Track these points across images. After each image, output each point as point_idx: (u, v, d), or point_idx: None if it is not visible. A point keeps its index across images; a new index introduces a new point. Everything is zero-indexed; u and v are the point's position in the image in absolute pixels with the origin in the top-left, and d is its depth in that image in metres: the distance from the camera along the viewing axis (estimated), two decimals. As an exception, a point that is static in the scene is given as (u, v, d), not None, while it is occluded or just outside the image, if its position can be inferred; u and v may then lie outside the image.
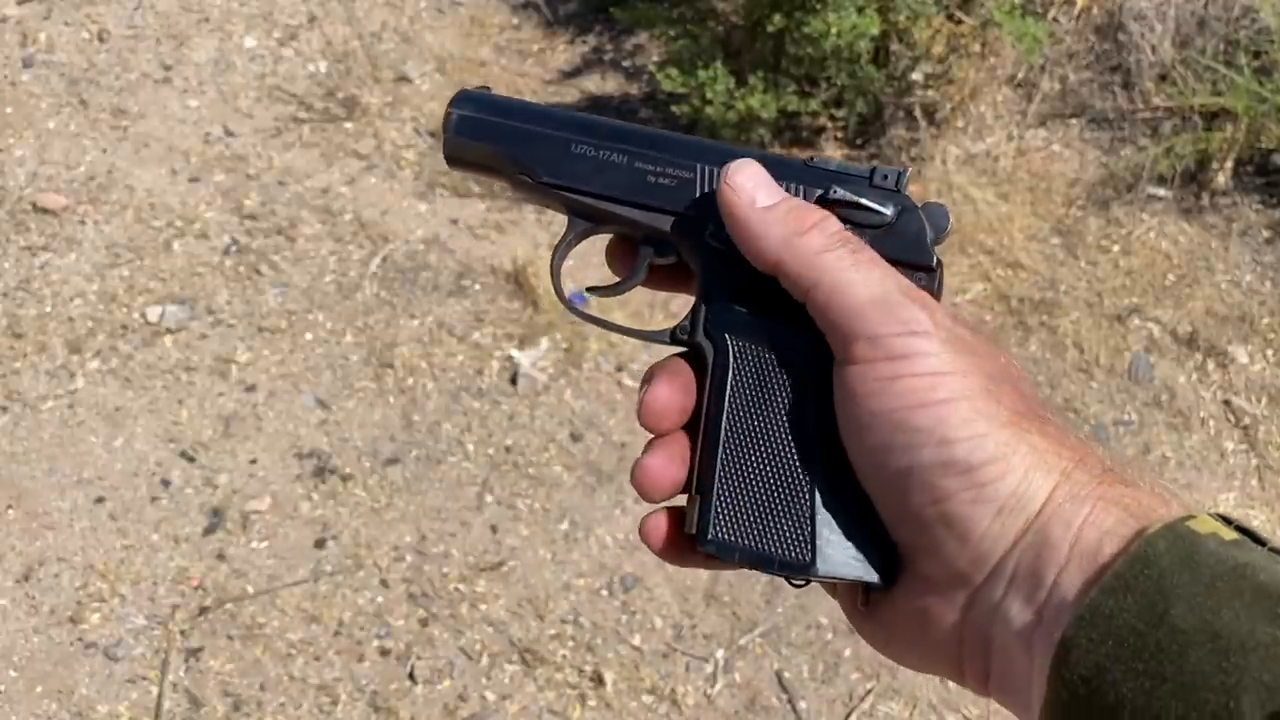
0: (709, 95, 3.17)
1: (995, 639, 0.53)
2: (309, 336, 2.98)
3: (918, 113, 3.44)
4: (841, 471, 0.58)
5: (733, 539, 0.59)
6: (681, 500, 0.63)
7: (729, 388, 0.61)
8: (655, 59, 3.78)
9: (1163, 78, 3.55)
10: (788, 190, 0.62)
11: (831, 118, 3.52)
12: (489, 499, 2.66)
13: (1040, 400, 0.58)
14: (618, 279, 0.68)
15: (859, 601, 0.61)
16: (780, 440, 0.59)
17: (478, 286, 3.12)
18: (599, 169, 0.65)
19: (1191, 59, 3.48)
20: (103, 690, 2.32)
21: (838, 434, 0.58)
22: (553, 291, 0.69)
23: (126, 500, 2.61)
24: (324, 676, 2.36)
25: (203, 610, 2.44)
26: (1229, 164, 3.39)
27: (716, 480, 0.60)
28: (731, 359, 0.61)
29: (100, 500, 2.61)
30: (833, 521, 0.58)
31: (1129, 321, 3.13)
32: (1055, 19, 3.66)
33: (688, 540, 0.61)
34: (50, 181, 3.30)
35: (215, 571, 2.51)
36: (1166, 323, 3.13)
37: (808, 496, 0.58)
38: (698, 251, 0.63)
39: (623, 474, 2.70)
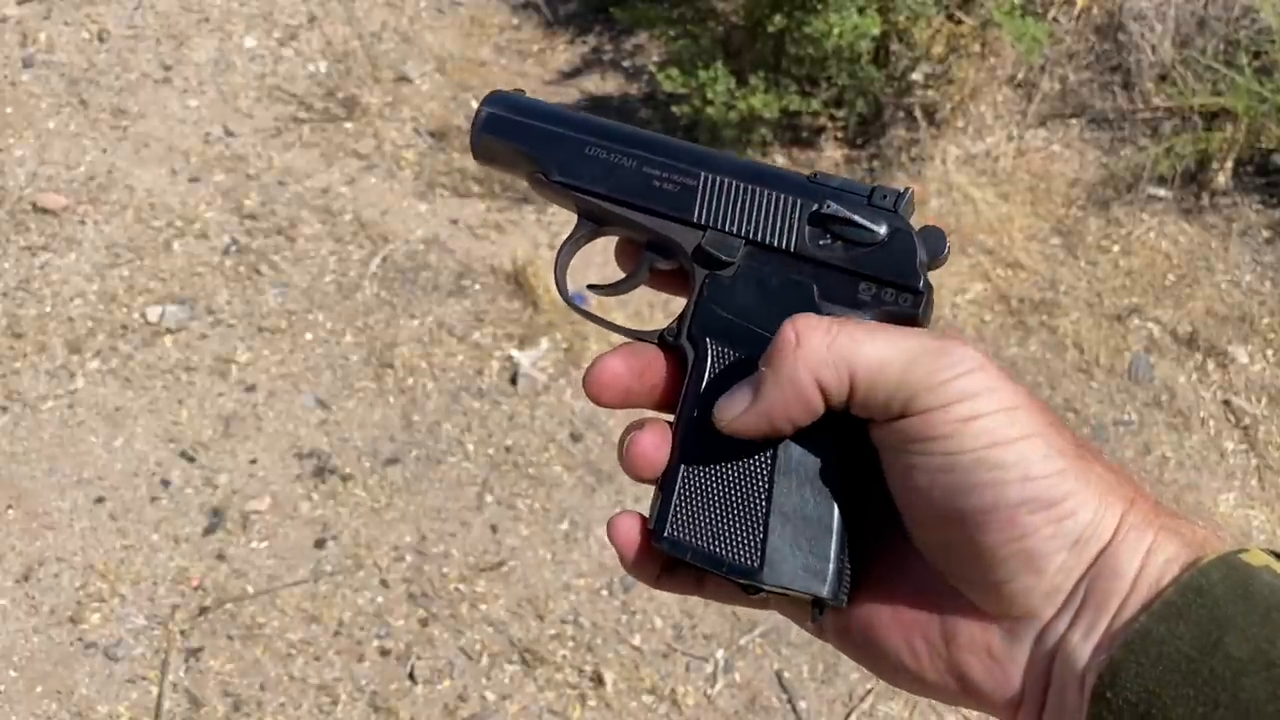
0: (709, 95, 3.17)
1: (1055, 672, 0.52)
2: (309, 336, 2.98)
3: (918, 113, 3.44)
4: (804, 485, 0.58)
5: (686, 538, 0.60)
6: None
7: (700, 390, 0.61)
8: (655, 59, 3.78)
9: (1163, 78, 3.55)
10: (786, 204, 0.63)
11: (831, 118, 3.52)
12: (489, 499, 2.66)
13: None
14: (620, 278, 0.69)
15: (809, 617, 0.60)
16: (740, 446, 0.59)
17: (478, 286, 3.12)
18: (609, 171, 0.66)
19: (1191, 59, 3.48)
20: (103, 690, 2.32)
21: (807, 447, 0.58)
22: (555, 287, 0.71)
23: (126, 500, 2.61)
24: (324, 676, 2.36)
25: (203, 610, 2.44)
26: (1229, 164, 3.39)
27: (678, 479, 0.61)
28: (708, 363, 0.62)
29: (100, 500, 2.61)
30: (788, 533, 0.58)
31: (1129, 321, 3.13)
32: (1055, 19, 3.66)
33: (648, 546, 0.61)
34: (50, 181, 3.30)
35: (215, 571, 2.51)
36: (1166, 323, 3.13)
37: (763, 505, 0.59)
38: (693, 256, 0.65)
39: (622, 474, 2.70)
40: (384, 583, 2.50)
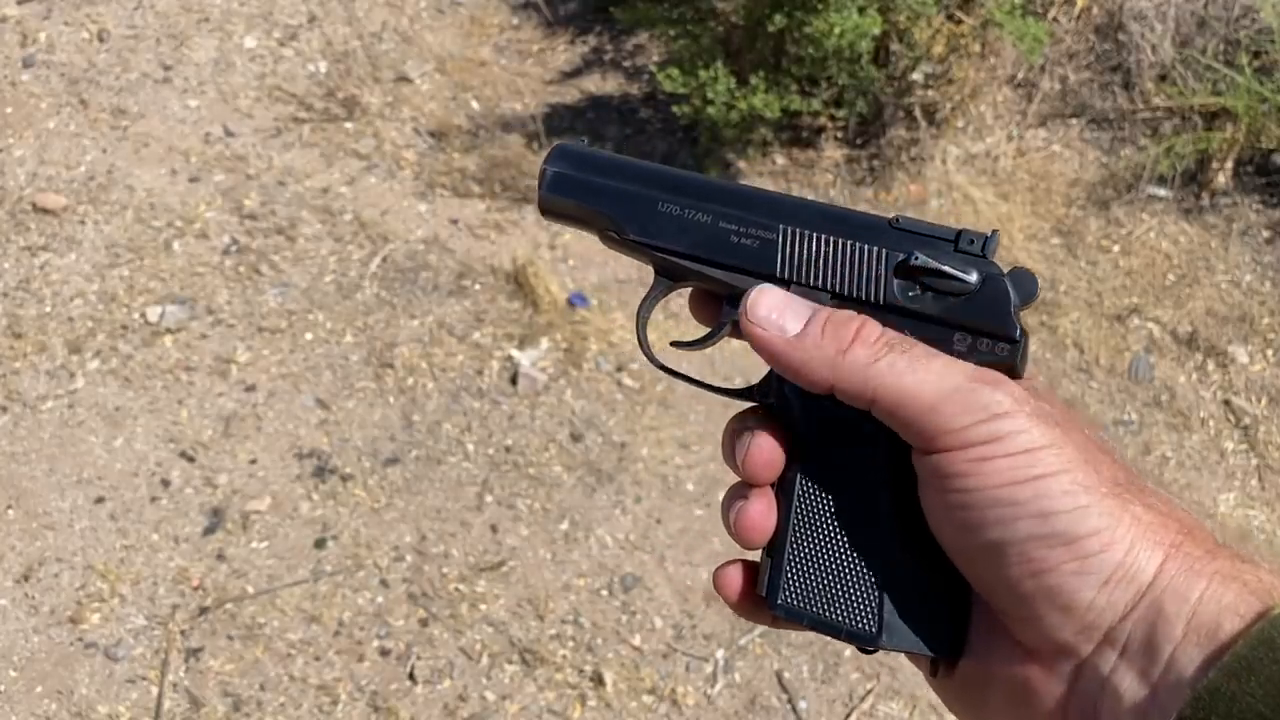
0: (710, 95, 3.17)
1: (1104, 713, 0.52)
2: (309, 336, 2.98)
3: (918, 113, 3.44)
4: (910, 545, 0.58)
5: (801, 605, 0.60)
6: (752, 554, 0.64)
7: (803, 453, 0.61)
8: (656, 59, 3.78)
9: (1163, 78, 3.55)
10: (871, 256, 0.61)
11: (831, 118, 3.52)
12: (489, 499, 2.66)
13: (1132, 470, 0.56)
14: (701, 333, 0.68)
15: (928, 672, 0.60)
16: (851, 511, 0.59)
17: (478, 286, 3.12)
18: (684, 228, 0.65)
19: (1191, 59, 3.48)
20: (103, 690, 2.32)
21: (909, 507, 0.57)
22: (637, 345, 0.70)
23: (126, 500, 2.61)
24: (324, 676, 2.36)
25: (203, 610, 2.44)
26: (1229, 164, 3.39)
27: (787, 545, 0.60)
28: (807, 425, 0.61)
29: (100, 500, 2.61)
30: (899, 594, 0.58)
31: (1129, 321, 3.13)
32: (1055, 19, 3.66)
33: (760, 598, 0.61)
34: (50, 181, 3.30)
35: (215, 571, 2.50)
36: (1166, 323, 3.13)
37: (875, 569, 0.59)
38: None
39: (623, 474, 2.70)
40: (384, 583, 2.50)
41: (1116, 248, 3.31)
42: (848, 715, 2.34)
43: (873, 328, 0.57)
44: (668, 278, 0.67)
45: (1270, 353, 3.08)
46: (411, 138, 3.53)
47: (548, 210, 0.69)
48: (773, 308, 0.59)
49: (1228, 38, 3.50)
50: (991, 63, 3.56)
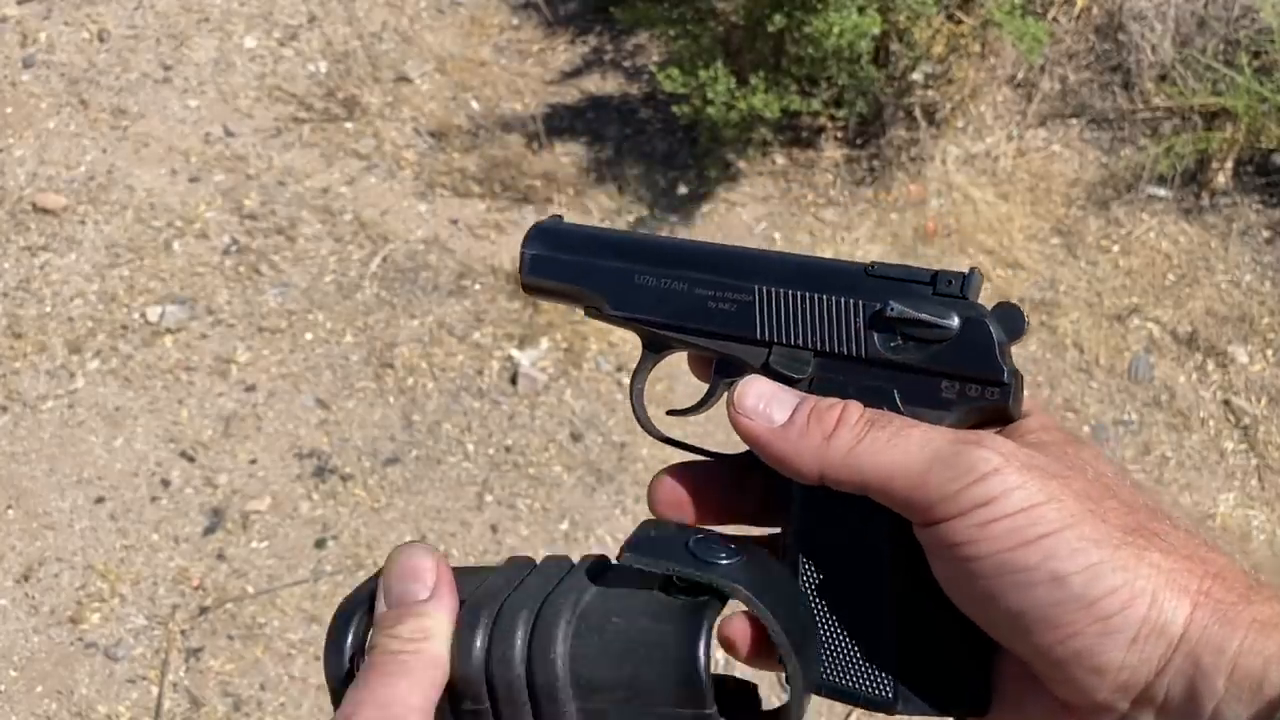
0: (710, 95, 3.17)
1: None
2: (309, 336, 2.98)
3: (918, 113, 3.44)
4: (921, 608, 0.56)
5: (820, 675, 0.58)
6: None
7: (805, 521, 0.60)
8: (655, 59, 3.78)
9: (1163, 78, 3.55)
10: (848, 309, 0.60)
11: (831, 118, 3.52)
12: (489, 499, 2.66)
13: (1150, 505, 0.54)
14: (697, 401, 0.67)
15: None
16: (856, 579, 0.58)
17: (478, 286, 3.12)
18: (661, 298, 0.64)
19: (1191, 59, 3.48)
20: (103, 690, 2.32)
21: (916, 570, 0.56)
22: (636, 419, 0.69)
23: (126, 500, 2.61)
24: (324, 677, 2.36)
25: (203, 610, 2.44)
26: (1229, 164, 3.39)
27: None
28: (803, 500, 0.60)
29: (100, 500, 2.61)
30: (915, 658, 0.57)
31: (1129, 321, 3.13)
32: (1055, 19, 3.66)
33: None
34: (50, 181, 3.30)
35: (215, 571, 2.51)
36: (1166, 323, 3.13)
37: (888, 635, 0.57)
38: (763, 374, 0.62)
39: (623, 474, 2.70)
40: (384, 583, 2.50)
41: (1116, 248, 3.31)
42: (848, 716, 2.34)
43: (854, 410, 0.56)
44: (653, 348, 0.66)
45: (1270, 353, 3.08)
46: (411, 138, 3.53)
47: (530, 290, 0.69)
48: (760, 397, 0.58)
49: (1228, 38, 3.50)
50: (991, 63, 3.56)
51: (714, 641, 0.52)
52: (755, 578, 0.53)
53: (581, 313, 0.68)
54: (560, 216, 0.71)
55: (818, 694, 0.59)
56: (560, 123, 3.60)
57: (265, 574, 2.51)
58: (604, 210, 3.33)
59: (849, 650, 0.58)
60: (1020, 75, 3.63)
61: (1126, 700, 0.50)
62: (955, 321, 0.57)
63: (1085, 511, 0.50)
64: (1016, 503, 0.50)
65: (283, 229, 3.22)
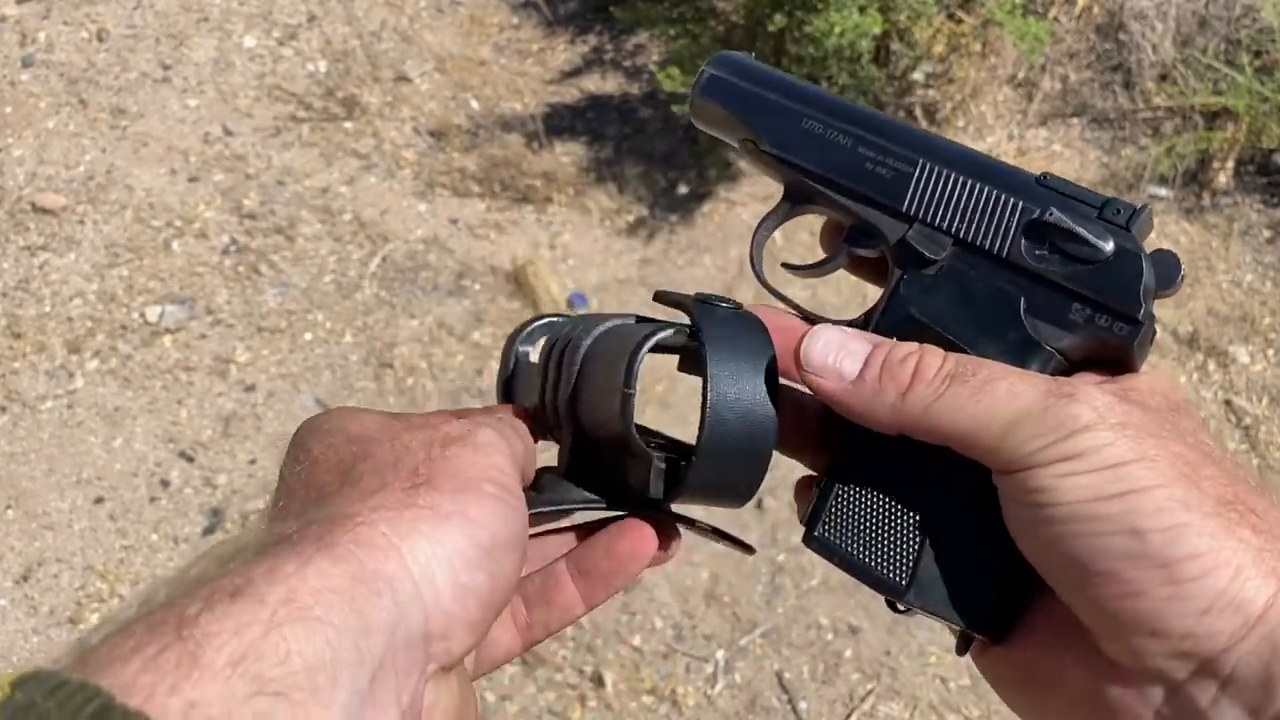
0: (709, 95, 3.16)
1: None
2: (308, 336, 2.97)
3: (918, 112, 3.44)
4: (967, 513, 0.54)
5: (837, 541, 0.57)
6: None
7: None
8: (656, 59, 3.78)
9: (1164, 77, 3.55)
10: (1007, 206, 0.57)
11: (832, 117, 3.51)
12: (489, 499, 2.66)
13: (1249, 480, 0.50)
14: (818, 260, 0.65)
15: (956, 649, 0.57)
16: (908, 464, 0.56)
17: (478, 286, 3.12)
18: (821, 147, 0.62)
19: (1192, 58, 3.48)
20: (102, 691, 2.32)
21: (976, 489, 0.54)
22: (750, 266, 0.67)
23: (126, 500, 2.61)
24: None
25: (202, 611, 2.44)
26: (1230, 164, 3.38)
27: (836, 484, 0.58)
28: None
29: (99, 500, 2.61)
30: (943, 556, 0.55)
31: (1130, 321, 3.13)
32: (1056, 18, 3.65)
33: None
34: (49, 181, 3.30)
35: (215, 572, 2.50)
36: (1167, 323, 3.13)
37: (924, 524, 0.55)
38: (895, 249, 0.60)
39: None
40: (384, 583, 2.50)
41: (1117, 247, 3.30)
42: (848, 716, 2.34)
43: (932, 359, 0.53)
44: (793, 199, 0.65)
45: (1271, 353, 3.08)
46: (411, 137, 3.53)
47: (696, 113, 0.68)
48: (827, 350, 0.55)
49: (1229, 37, 3.50)
50: (992, 62, 3.55)
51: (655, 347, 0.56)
52: (727, 330, 0.55)
53: (738, 150, 0.67)
54: (751, 54, 0.69)
55: (830, 560, 0.58)
56: (560, 122, 3.60)
57: (265, 574, 2.51)
58: (604, 210, 3.33)
59: (873, 529, 0.56)
60: (1021, 75, 3.63)
61: (1186, 669, 0.47)
62: (1110, 246, 0.55)
63: (1178, 474, 0.47)
64: (1105, 459, 0.48)
65: (282, 229, 3.22)
